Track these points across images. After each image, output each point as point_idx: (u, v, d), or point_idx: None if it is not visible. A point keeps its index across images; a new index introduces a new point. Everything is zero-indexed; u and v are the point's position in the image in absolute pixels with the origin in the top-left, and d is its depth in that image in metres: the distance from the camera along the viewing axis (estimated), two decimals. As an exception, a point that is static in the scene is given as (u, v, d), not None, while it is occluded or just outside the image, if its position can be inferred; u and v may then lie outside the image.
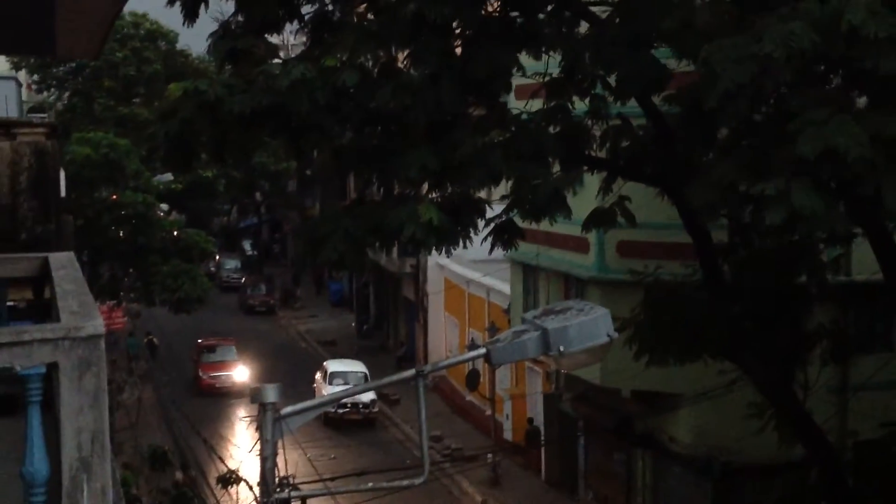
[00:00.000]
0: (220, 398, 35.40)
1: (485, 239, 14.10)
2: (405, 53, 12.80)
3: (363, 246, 12.94)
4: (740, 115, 10.35)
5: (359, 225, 12.60)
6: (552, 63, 13.08)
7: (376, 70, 12.66)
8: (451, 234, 12.33)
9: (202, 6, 12.93)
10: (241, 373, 36.69)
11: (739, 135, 11.79)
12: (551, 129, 13.15)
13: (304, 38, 14.04)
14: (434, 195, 12.94)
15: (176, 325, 43.56)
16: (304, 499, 5.78)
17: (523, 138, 12.42)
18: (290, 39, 16.89)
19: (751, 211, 11.00)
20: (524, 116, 13.02)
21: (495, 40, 11.95)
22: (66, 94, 42.84)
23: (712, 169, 11.02)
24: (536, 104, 13.55)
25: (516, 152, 12.20)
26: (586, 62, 12.42)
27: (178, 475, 26.12)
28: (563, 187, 12.70)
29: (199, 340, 39.51)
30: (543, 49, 12.70)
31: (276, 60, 12.91)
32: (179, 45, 44.31)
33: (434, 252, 13.54)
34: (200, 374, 37.27)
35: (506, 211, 13.86)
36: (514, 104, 13.83)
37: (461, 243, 12.85)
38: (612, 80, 13.25)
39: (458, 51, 12.55)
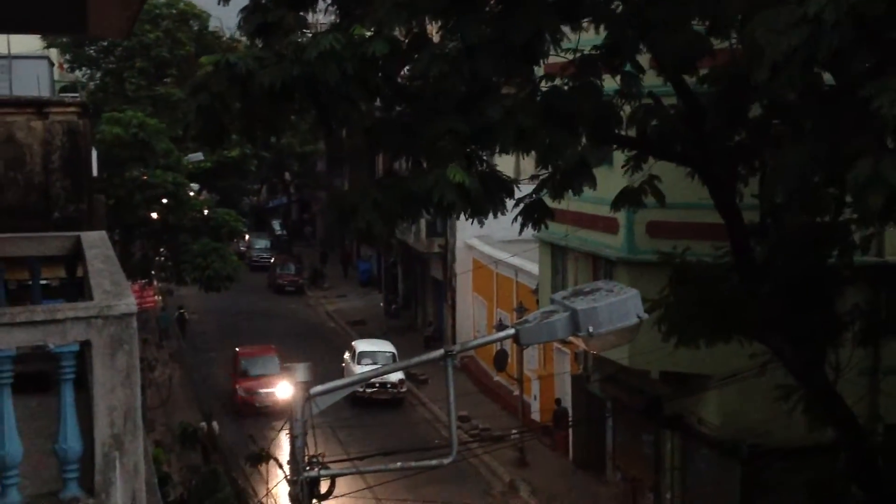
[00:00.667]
0: (256, 419, 30.02)
1: (515, 219, 14.06)
2: (437, 25, 12.74)
3: (392, 216, 12.97)
4: (795, 85, 9.97)
5: (387, 196, 12.62)
6: (584, 42, 12.99)
7: (406, 42, 12.61)
8: (480, 200, 12.30)
9: None
10: (284, 389, 29.04)
11: (772, 112, 11.55)
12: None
13: (334, 17, 14.01)
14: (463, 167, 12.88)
15: (207, 304, 43.98)
16: (332, 477, 5.82)
17: (558, 98, 12.36)
18: (319, 18, 16.87)
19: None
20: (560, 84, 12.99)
21: (533, 9, 11.88)
22: (98, 73, 43.07)
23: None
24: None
25: (548, 113, 12.13)
26: (627, 40, 12.34)
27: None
28: (589, 158, 12.66)
29: (237, 349, 34.84)
30: (582, 20, 12.61)
31: (306, 32, 12.92)
32: (210, 26, 44.42)
33: (463, 231, 13.51)
34: (237, 389, 32.27)
35: (536, 190, 13.80)
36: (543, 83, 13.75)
37: (492, 214, 12.80)
38: (641, 59, 13.16)
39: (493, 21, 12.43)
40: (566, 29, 12.53)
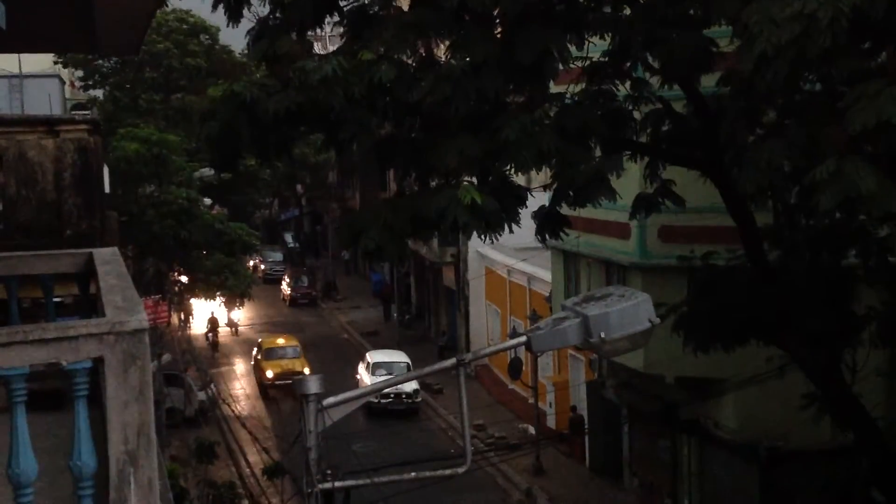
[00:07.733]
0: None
1: (537, 234, 14.02)
2: (446, 44, 12.75)
3: (402, 236, 12.93)
4: (780, 81, 9.97)
5: (398, 216, 12.60)
6: (592, 48, 12.98)
7: (413, 63, 12.61)
8: (496, 215, 12.21)
9: (245, 7, 13.11)
10: None
11: (785, 114, 11.54)
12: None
13: (342, 33, 14.04)
14: (470, 180, 12.84)
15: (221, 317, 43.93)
16: (347, 489, 5.81)
17: (568, 116, 12.31)
18: (327, 30, 16.94)
19: (800, 194, 10.70)
20: (567, 98, 12.94)
21: (538, 26, 11.86)
22: (109, 88, 43.19)
23: (759, 151, 10.78)
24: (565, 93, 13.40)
25: (560, 132, 12.08)
26: (636, 44, 12.31)
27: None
28: (605, 170, 12.58)
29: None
30: (587, 34, 12.59)
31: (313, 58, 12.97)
32: (220, 40, 44.58)
33: (475, 239, 13.45)
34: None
35: (552, 202, 13.70)
36: (553, 90, 13.71)
37: (507, 228, 12.70)
38: (654, 62, 13.15)
39: (500, 38, 12.43)
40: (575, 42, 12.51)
